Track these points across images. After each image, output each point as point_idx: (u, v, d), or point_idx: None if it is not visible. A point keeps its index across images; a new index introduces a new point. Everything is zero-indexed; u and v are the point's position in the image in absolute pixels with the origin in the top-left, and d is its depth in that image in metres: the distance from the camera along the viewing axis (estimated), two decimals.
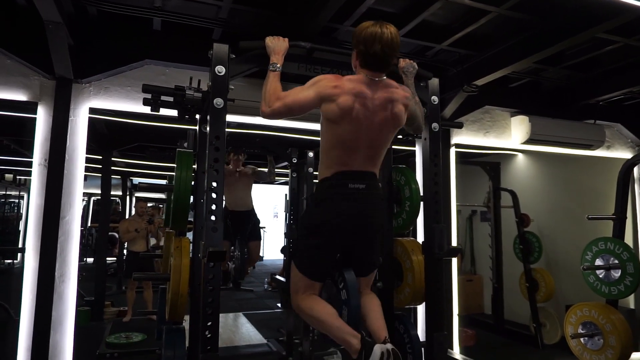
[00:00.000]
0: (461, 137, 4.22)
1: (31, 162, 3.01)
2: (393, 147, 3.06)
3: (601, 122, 4.62)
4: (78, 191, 3.03)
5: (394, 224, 3.03)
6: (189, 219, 2.51)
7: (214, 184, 2.03)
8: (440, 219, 2.46)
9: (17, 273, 10.29)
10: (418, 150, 4.05)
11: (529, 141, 4.24)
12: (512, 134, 4.39)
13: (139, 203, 6.66)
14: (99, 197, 7.88)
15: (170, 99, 2.28)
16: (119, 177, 9.84)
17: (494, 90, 4.10)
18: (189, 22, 3.01)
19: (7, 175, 10.16)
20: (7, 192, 11.46)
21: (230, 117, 3.84)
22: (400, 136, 2.95)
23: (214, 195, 2.03)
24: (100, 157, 6.52)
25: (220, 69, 2.10)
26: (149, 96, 2.32)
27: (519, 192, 5.69)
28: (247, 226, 4.87)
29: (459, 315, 4.17)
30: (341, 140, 1.92)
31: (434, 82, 2.55)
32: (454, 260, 4.03)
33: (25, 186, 11.27)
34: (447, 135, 4.10)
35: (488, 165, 6.04)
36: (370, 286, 2.20)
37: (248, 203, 4.96)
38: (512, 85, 4.27)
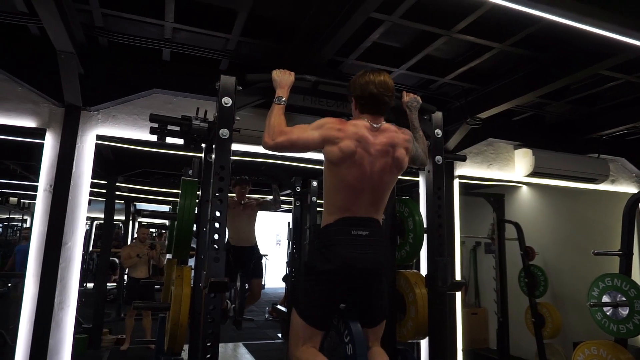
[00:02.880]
0: (465, 169, 4.22)
1: (35, 186, 3.03)
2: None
3: (605, 156, 4.62)
4: (81, 218, 3.03)
5: (397, 256, 3.01)
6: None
7: (218, 214, 2.04)
8: (444, 252, 2.44)
9: (18, 297, 10.20)
10: (422, 181, 4.05)
11: (533, 174, 4.23)
12: (515, 167, 4.40)
13: (140, 229, 6.64)
14: (102, 222, 7.86)
15: (177, 128, 2.32)
16: (122, 201, 9.86)
17: (497, 123, 4.13)
18: (197, 53, 3.09)
19: (11, 198, 10.20)
20: (10, 216, 11.49)
21: (235, 146, 3.89)
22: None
23: (217, 225, 2.03)
24: (105, 182, 6.55)
25: (227, 101, 2.13)
26: (155, 125, 2.36)
27: (523, 225, 5.65)
28: (249, 263, 4.70)
29: (463, 350, 4.08)
30: (344, 183, 1.93)
31: (438, 115, 2.58)
32: (458, 293, 3.96)
33: (29, 210, 11.30)
34: (451, 166, 4.11)
35: (492, 197, 6.02)
36: (380, 340, 2.10)
37: (251, 238, 4.81)
38: (516, 118, 4.30)
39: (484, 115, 3.58)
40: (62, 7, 2.33)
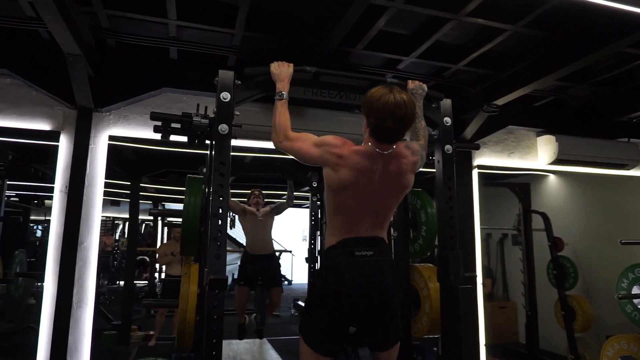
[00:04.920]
0: (484, 159, 4.09)
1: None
2: None
3: (636, 140, 4.38)
4: (97, 217, 3.09)
5: (411, 250, 2.94)
6: None
7: (219, 210, 2.02)
8: (456, 245, 2.35)
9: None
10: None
11: (557, 161, 4.06)
12: (538, 155, 4.22)
13: (175, 228, 6.73)
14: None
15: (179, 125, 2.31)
16: (151, 202, 10.05)
17: (517, 109, 3.98)
18: (204, 50, 3.08)
19: (47, 201, 10.47)
20: (46, 218, 11.88)
21: (250, 143, 3.91)
22: None
23: (218, 222, 2.01)
24: (129, 183, 6.69)
25: (226, 95, 2.11)
26: (159, 123, 2.36)
27: (551, 215, 5.43)
28: (267, 272, 4.62)
29: (486, 345, 3.95)
30: (343, 208, 1.86)
31: (446, 103, 2.49)
32: (479, 287, 3.84)
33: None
34: (469, 156, 3.98)
35: (517, 187, 5.81)
36: None
37: (268, 247, 4.73)
38: (537, 104, 4.13)
39: (501, 101, 3.44)
40: (66, 10, 2.36)
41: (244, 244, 4.98)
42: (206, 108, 2.31)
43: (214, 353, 1.95)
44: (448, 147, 2.45)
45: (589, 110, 4.22)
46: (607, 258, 5.17)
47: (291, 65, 2.13)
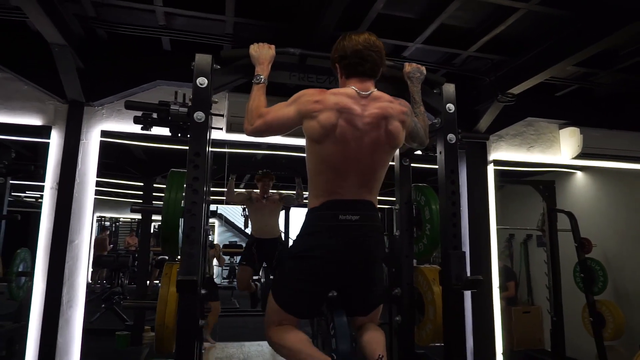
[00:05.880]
0: (501, 153, 3.81)
1: None
2: (416, 165, 2.78)
3: None
4: (88, 215, 2.99)
5: (415, 250, 2.72)
6: None
7: (192, 205, 1.86)
8: (459, 244, 2.12)
9: None
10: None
11: (581, 156, 3.75)
12: (561, 148, 3.92)
13: None
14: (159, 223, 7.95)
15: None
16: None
17: (537, 99, 3.70)
18: (197, 39, 2.94)
19: None
20: None
21: (261, 139, 3.76)
22: (419, 152, 2.67)
23: (192, 217, 1.85)
24: (142, 184, 6.66)
25: (202, 81, 1.96)
26: (139, 114, 2.23)
27: (578, 214, 5.07)
28: (272, 254, 4.70)
29: (504, 353, 3.67)
30: (327, 163, 1.69)
31: (449, 87, 2.26)
32: (495, 290, 3.58)
33: None
34: (484, 150, 3.71)
35: (541, 185, 5.47)
36: (377, 323, 1.92)
37: (275, 231, 4.81)
38: (559, 93, 3.83)
39: (516, 90, 3.18)
40: None
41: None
42: (184, 96, 2.15)
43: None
44: (451, 136, 2.22)
45: (617, 100, 3.89)
46: (639, 260, 4.79)
47: (272, 46, 1.96)
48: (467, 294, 3.49)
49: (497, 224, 3.78)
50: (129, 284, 10.64)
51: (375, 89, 1.76)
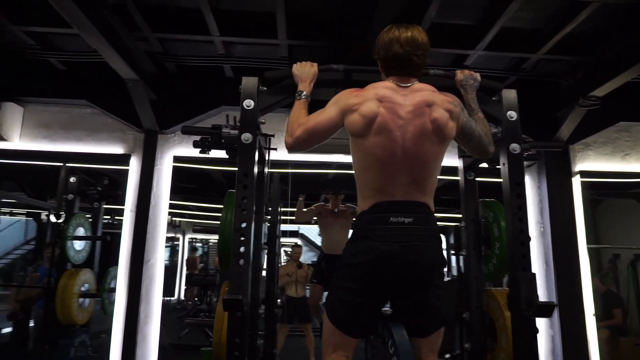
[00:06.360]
0: (588, 163, 3.42)
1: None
2: (483, 179, 2.59)
3: None
4: (161, 235, 3.18)
5: (484, 270, 2.51)
6: None
7: (242, 225, 1.89)
8: (529, 265, 1.91)
9: (171, 308, 11.46)
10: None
11: None
12: None
13: (294, 248, 6.83)
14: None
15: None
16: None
17: (630, 101, 3.28)
18: (255, 64, 3.05)
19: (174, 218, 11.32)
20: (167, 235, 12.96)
21: (330, 157, 3.78)
22: (485, 164, 2.49)
23: (241, 237, 1.88)
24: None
25: (249, 103, 2.00)
26: (197, 138, 2.33)
27: None
28: None
29: None
30: (372, 157, 1.59)
31: (509, 94, 2.08)
32: (590, 317, 3.16)
33: (180, 227, 12.54)
34: (566, 161, 3.35)
35: None
36: (437, 353, 1.70)
37: (343, 246, 4.71)
38: None
39: (600, 92, 2.84)
40: (117, 38, 2.51)
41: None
42: (235, 118, 2.21)
43: None
44: (514, 146, 2.03)
45: None
46: None
47: (315, 64, 1.95)
48: (556, 321, 3.13)
49: (589, 242, 3.37)
50: (217, 302, 11.15)
51: (417, 81, 1.67)
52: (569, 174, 3.36)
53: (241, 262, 1.85)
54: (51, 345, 3.52)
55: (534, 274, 1.89)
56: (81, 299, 3.69)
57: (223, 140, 2.18)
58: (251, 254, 1.90)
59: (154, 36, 2.78)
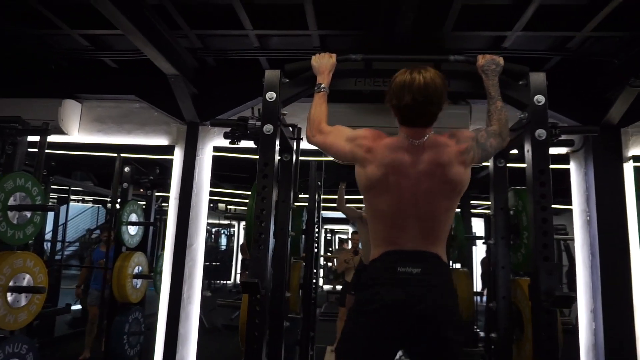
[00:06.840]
0: None
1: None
2: (513, 165, 2.51)
3: None
4: (202, 221, 3.37)
5: (513, 260, 2.44)
6: None
7: (262, 212, 1.98)
8: (551, 254, 1.85)
9: (227, 291, 11.98)
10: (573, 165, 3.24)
11: None
12: None
13: (353, 235, 7.02)
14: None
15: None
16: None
17: None
18: (289, 56, 3.10)
19: (220, 205, 11.77)
20: (220, 222, 13.54)
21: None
22: (515, 150, 2.40)
23: (261, 224, 1.97)
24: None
25: (271, 95, 2.08)
26: (227, 130, 2.44)
27: None
28: None
29: None
30: (379, 212, 1.64)
31: (538, 77, 2.00)
32: (638, 316, 2.97)
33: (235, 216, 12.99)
34: (617, 145, 3.14)
35: None
36: None
37: None
38: None
39: None
40: (158, 36, 2.68)
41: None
42: (259, 110, 2.30)
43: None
44: (540, 132, 1.95)
45: None
46: None
47: (333, 55, 1.99)
48: (599, 314, 2.98)
49: None
50: None
51: (431, 133, 1.64)
52: (620, 159, 3.14)
53: (261, 247, 1.95)
54: (109, 320, 3.85)
55: (556, 264, 1.83)
56: (135, 280, 3.99)
57: (249, 132, 2.28)
58: (270, 240, 1.99)
59: (193, 33, 2.92)
